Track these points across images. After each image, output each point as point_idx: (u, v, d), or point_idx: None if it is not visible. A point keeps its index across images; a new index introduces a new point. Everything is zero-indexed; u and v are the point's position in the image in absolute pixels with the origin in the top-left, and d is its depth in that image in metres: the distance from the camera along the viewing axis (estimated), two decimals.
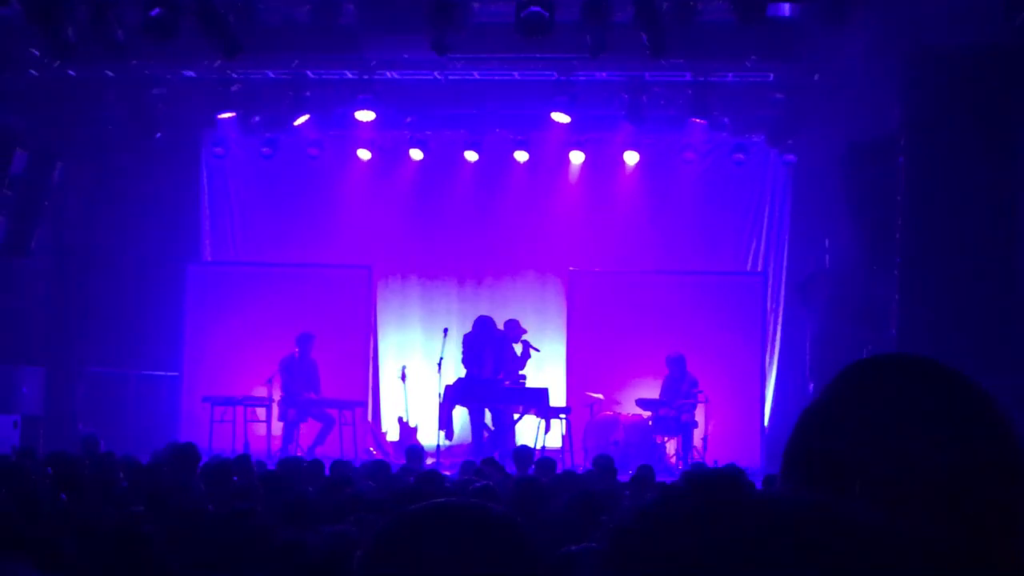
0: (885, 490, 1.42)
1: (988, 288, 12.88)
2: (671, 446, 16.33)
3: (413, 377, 17.46)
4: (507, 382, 16.17)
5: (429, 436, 16.25)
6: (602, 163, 18.37)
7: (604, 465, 10.99)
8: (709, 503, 1.27)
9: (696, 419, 16.21)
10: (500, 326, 16.50)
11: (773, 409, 17.57)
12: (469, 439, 16.13)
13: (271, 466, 10.71)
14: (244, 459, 10.52)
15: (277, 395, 16.49)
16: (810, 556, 1.18)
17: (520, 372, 16.45)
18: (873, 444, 1.45)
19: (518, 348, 16.47)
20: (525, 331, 16.55)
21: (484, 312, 16.94)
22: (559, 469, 11.65)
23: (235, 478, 9.04)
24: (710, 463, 13.87)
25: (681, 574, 1.22)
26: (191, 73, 16.69)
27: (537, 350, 16.55)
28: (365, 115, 16.76)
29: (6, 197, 16.36)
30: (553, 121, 16.75)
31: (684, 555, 1.23)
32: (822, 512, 1.24)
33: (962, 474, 1.42)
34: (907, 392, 1.49)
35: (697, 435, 16.19)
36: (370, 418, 17.56)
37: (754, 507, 1.25)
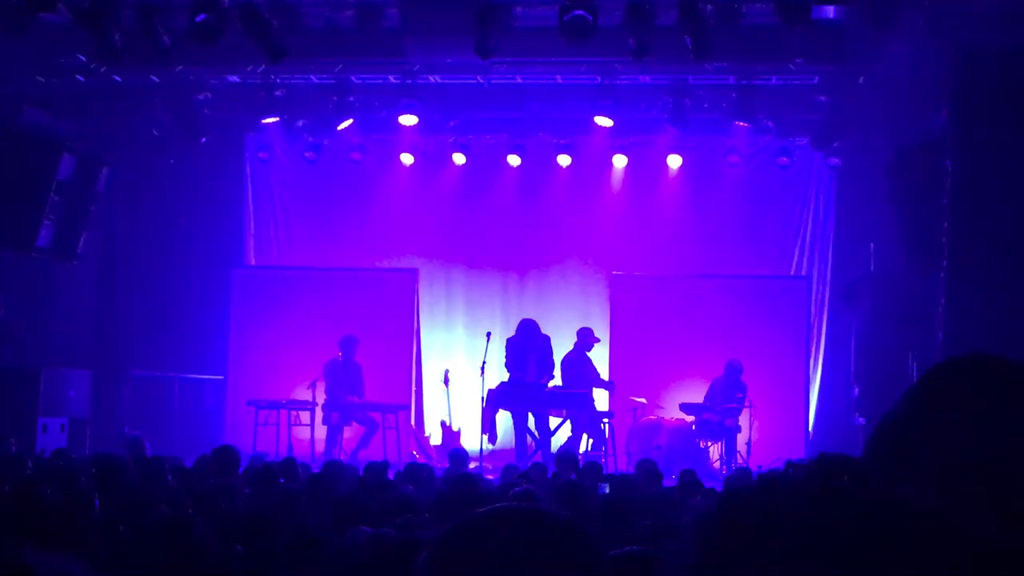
0: (976, 487, 1.41)
1: None
2: (714, 451, 16.26)
3: (456, 381, 17.48)
4: (549, 385, 16.15)
5: (472, 440, 16.25)
6: (645, 167, 18.33)
7: (647, 470, 10.94)
8: (827, 493, 1.27)
9: (740, 424, 16.14)
10: (544, 330, 16.47)
11: (817, 414, 17.48)
12: (512, 443, 16.12)
13: (315, 469, 10.75)
14: (290, 462, 10.56)
15: (321, 398, 16.54)
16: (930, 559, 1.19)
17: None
18: (952, 444, 1.44)
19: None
20: (598, 340, 16.47)
21: (527, 315, 16.93)
22: (603, 472, 11.61)
23: (281, 480, 9.07)
24: (754, 468, 13.79)
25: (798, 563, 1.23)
26: (236, 78, 16.80)
27: None
28: (408, 119, 16.80)
29: (53, 202, 16.51)
30: (596, 125, 16.74)
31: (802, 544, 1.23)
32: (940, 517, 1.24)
33: None
34: (991, 394, 1.47)
35: (741, 440, 16.12)
36: (413, 422, 17.59)
37: (879, 504, 1.25)
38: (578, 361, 16.31)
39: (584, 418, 15.89)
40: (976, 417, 1.45)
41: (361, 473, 10.18)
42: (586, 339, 16.43)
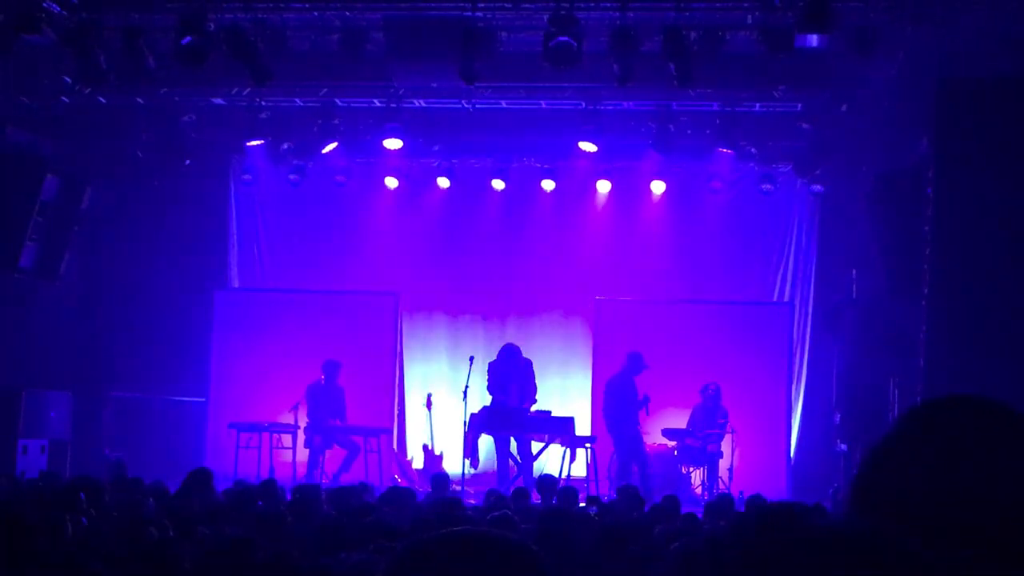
0: (948, 525, 1.43)
1: (1017, 317, 12.80)
2: (696, 476, 16.25)
3: (438, 405, 17.46)
4: (532, 409, 16.12)
5: (455, 464, 16.22)
6: (629, 192, 18.37)
7: (629, 495, 10.93)
8: (775, 536, 1.29)
9: (722, 449, 16.14)
10: (526, 354, 16.47)
11: (799, 440, 17.48)
12: (494, 467, 16.09)
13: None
14: (270, 483, 10.55)
15: (303, 422, 16.50)
16: None
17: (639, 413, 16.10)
18: (937, 481, 1.46)
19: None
20: (648, 367, 16.06)
21: (510, 340, 16.93)
22: (581, 497, 11.61)
23: (259, 503, 9.05)
24: (735, 494, 13.79)
25: None
26: (221, 100, 16.81)
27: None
28: (393, 143, 16.83)
29: (37, 222, 16.49)
30: (580, 150, 16.78)
31: None
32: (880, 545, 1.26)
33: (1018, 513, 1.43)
34: (970, 431, 1.50)
35: (723, 465, 16.12)
36: (395, 446, 17.54)
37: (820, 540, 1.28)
38: (625, 384, 16.03)
39: (567, 442, 15.86)
40: (963, 459, 1.48)
41: (323, 496, 10.17)
42: (637, 363, 16.09)
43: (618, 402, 15.96)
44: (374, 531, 6.65)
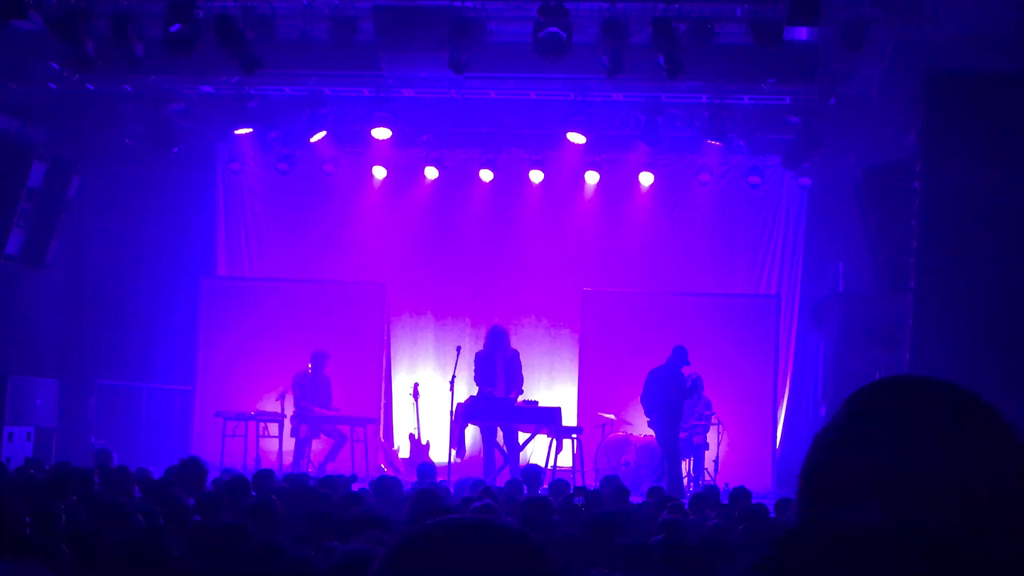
0: (896, 505, 1.45)
1: (1002, 312, 12.88)
2: (682, 468, 16.27)
3: (425, 394, 17.47)
4: (519, 400, 16.14)
5: (441, 453, 16.24)
6: (617, 183, 18.38)
7: (614, 486, 10.95)
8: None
9: (707, 441, 16.17)
10: (513, 344, 16.46)
11: (785, 432, 17.55)
12: (481, 457, 16.11)
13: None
14: (267, 474, 10.56)
15: (289, 411, 16.50)
16: None
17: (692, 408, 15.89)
18: (883, 461, 1.48)
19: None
20: (689, 363, 15.66)
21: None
22: (570, 489, 11.63)
23: (253, 493, 9.05)
24: (721, 486, 13.83)
25: None
26: (209, 88, 16.77)
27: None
28: (381, 132, 16.81)
29: (23, 209, 16.44)
30: (569, 141, 16.79)
31: None
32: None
33: (970, 485, 1.45)
34: (915, 410, 1.52)
35: (708, 457, 16.16)
36: (382, 435, 17.55)
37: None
38: (678, 377, 15.55)
39: (553, 433, 15.87)
40: (897, 435, 1.50)
41: (312, 484, 10.18)
42: (683, 357, 15.61)
43: (671, 393, 15.47)
44: (362, 520, 6.67)
